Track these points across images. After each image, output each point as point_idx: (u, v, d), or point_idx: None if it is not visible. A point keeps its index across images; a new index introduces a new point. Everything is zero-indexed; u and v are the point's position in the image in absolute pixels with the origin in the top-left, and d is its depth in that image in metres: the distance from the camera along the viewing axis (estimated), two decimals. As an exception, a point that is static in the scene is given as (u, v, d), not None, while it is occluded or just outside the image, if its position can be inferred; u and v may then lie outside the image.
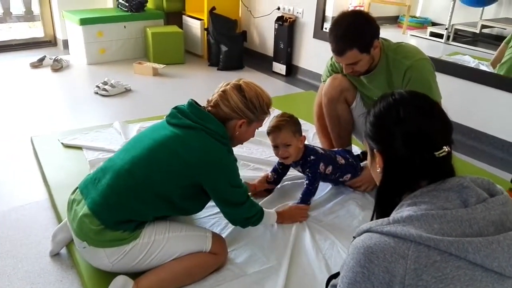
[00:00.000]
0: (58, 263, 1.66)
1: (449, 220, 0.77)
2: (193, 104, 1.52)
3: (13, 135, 2.71)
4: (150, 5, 4.60)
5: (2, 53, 4.52)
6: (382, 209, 0.91)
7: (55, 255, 1.69)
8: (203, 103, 1.60)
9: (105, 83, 3.48)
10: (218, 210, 1.62)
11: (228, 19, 4.24)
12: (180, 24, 4.67)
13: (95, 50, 4.23)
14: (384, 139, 0.90)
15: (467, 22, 3.78)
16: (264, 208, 1.69)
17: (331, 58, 2.11)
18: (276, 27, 4.05)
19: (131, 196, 1.42)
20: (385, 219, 0.83)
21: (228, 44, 4.16)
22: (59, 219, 1.86)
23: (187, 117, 1.48)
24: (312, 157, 1.90)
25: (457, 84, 2.87)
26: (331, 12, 3.70)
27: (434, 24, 4.09)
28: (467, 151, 2.72)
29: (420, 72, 1.82)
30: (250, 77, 4.01)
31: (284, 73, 4.12)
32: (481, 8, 3.72)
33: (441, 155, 0.85)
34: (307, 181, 1.92)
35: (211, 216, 1.84)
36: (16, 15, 4.79)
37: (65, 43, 4.66)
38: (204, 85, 3.87)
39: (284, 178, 2.13)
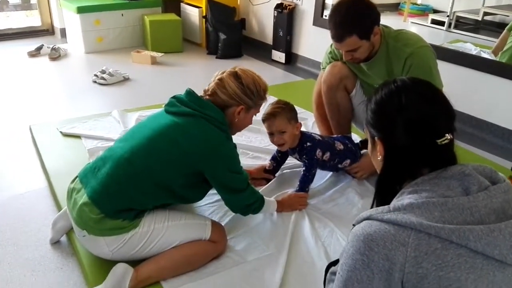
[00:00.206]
0: (58, 251, 1.66)
1: (450, 208, 0.77)
2: (191, 93, 1.53)
3: (11, 124, 2.70)
4: (148, -8, 4.55)
5: (0, 42, 4.48)
6: (383, 197, 0.91)
7: (55, 242, 1.69)
8: (201, 91, 1.60)
9: (103, 72, 3.46)
10: (217, 198, 1.62)
11: (226, 6, 4.20)
12: (178, 11, 4.62)
13: (92, 38, 4.19)
14: (386, 126, 0.89)
15: (469, 9, 3.74)
16: (264, 197, 1.69)
17: (331, 46, 2.09)
18: (275, 14, 4.01)
19: (130, 185, 1.42)
20: (386, 206, 0.82)
21: (227, 32, 4.12)
22: (58, 207, 1.87)
23: (185, 105, 1.49)
24: (308, 144, 1.90)
25: (458, 72, 2.85)
26: (331, -1, 3.67)
27: (435, 11, 4.05)
28: (467, 139, 2.71)
29: (421, 59, 1.81)
30: (249, 65, 3.95)
31: (283, 61, 4.09)
32: (483, -5, 3.68)
33: (443, 142, 0.84)
34: (303, 168, 1.93)
35: (210, 204, 1.84)
36: (13, 3, 4.74)
37: (63, 32, 4.62)
38: (202, 74, 3.85)
39: (284, 166, 2.13)
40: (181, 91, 1.57)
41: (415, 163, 0.87)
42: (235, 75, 1.52)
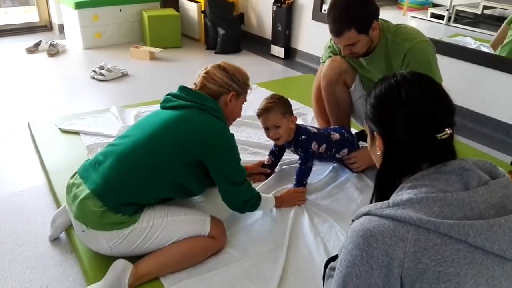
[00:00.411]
0: (57, 248, 1.66)
1: (450, 203, 0.76)
2: (185, 88, 1.61)
3: (10, 121, 2.70)
4: (146, -13, 4.53)
5: (-2, 38, 4.47)
6: (382, 192, 0.90)
7: (54, 239, 1.69)
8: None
9: (101, 68, 3.45)
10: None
11: (225, 1, 4.18)
12: (176, 7, 4.60)
13: (91, 34, 4.17)
14: (385, 121, 0.89)
15: (469, 3, 3.72)
16: (262, 194, 1.70)
17: (331, 40, 2.08)
18: (274, 9, 3.99)
19: (133, 178, 1.44)
20: (385, 202, 0.82)
21: (226, 27, 4.10)
22: (58, 204, 1.86)
23: (182, 99, 1.56)
24: (303, 137, 1.91)
25: (457, 66, 2.84)
26: (330, -7, 3.64)
27: (435, 5, 4.03)
28: (467, 133, 2.71)
29: (420, 54, 1.80)
30: (248, 60, 3.97)
31: (282, 56, 4.08)
32: (483, -12, 3.66)
33: (443, 137, 0.83)
34: (299, 161, 1.93)
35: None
36: (11, -1, 4.72)
37: (61, 28, 4.60)
38: (201, 69, 3.83)
39: (283, 162, 2.13)
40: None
41: (415, 158, 0.86)
42: (219, 67, 1.63)
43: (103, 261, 1.47)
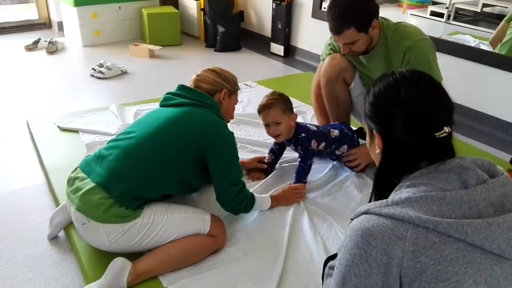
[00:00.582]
0: (56, 247, 1.66)
1: (449, 202, 0.76)
2: (184, 86, 1.64)
3: (8, 119, 2.69)
4: (145, -15, 4.52)
5: (-4, 36, 4.46)
6: (381, 191, 0.90)
7: (53, 238, 1.69)
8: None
9: (101, 66, 3.44)
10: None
11: (225, -1, 4.17)
12: (176, 4, 4.59)
13: (90, 32, 4.17)
14: (384, 119, 0.89)
15: (468, 0, 3.71)
16: (258, 194, 1.71)
17: (330, 38, 2.08)
18: (274, 6, 3.98)
19: (139, 171, 1.45)
20: (384, 200, 0.82)
21: (225, 24, 4.10)
22: (56, 202, 1.86)
23: (182, 97, 1.59)
24: (303, 135, 1.91)
25: (457, 64, 2.84)
26: (330, -9, 3.63)
27: (434, 3, 4.02)
28: (466, 131, 2.71)
29: (420, 52, 1.80)
30: (247, 58, 3.96)
31: (282, 54, 4.07)
32: (483, -14, 3.65)
33: (441, 135, 0.83)
34: (299, 159, 1.93)
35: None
36: (10, -4, 4.71)
37: (60, 25, 4.59)
38: (201, 67, 3.77)
39: (282, 160, 2.13)
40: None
41: (414, 156, 0.86)
42: (209, 70, 1.71)
43: (102, 260, 1.47)
